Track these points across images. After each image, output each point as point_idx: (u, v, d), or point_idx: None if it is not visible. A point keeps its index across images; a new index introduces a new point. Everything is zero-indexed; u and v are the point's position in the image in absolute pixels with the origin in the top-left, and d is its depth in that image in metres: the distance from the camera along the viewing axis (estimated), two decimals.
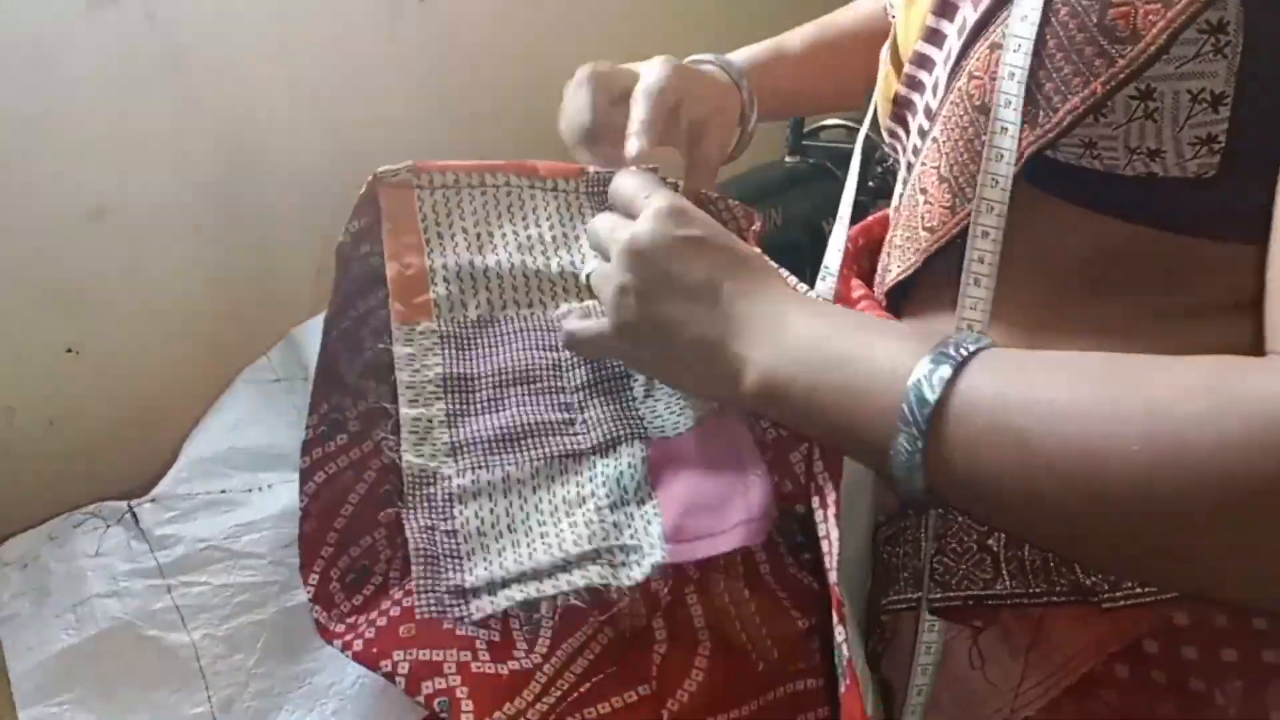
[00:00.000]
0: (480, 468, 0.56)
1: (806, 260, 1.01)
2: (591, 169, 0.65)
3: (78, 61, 0.73)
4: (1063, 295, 0.52)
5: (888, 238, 0.64)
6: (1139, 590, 0.49)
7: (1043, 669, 0.52)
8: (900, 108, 0.60)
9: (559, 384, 0.60)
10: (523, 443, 0.58)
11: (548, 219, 0.63)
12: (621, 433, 0.58)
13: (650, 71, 0.68)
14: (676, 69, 0.69)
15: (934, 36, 0.56)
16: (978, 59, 0.51)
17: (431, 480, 0.56)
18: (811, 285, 0.56)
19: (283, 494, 0.70)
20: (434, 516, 0.55)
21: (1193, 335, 0.48)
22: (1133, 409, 0.38)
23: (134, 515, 0.68)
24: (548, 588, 0.52)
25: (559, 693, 0.55)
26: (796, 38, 0.82)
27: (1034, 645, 0.52)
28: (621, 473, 0.56)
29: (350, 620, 0.58)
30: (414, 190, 0.62)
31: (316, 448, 0.61)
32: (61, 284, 0.76)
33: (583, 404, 0.59)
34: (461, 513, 0.55)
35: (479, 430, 0.58)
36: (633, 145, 0.63)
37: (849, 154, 1.20)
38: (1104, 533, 0.40)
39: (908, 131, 0.60)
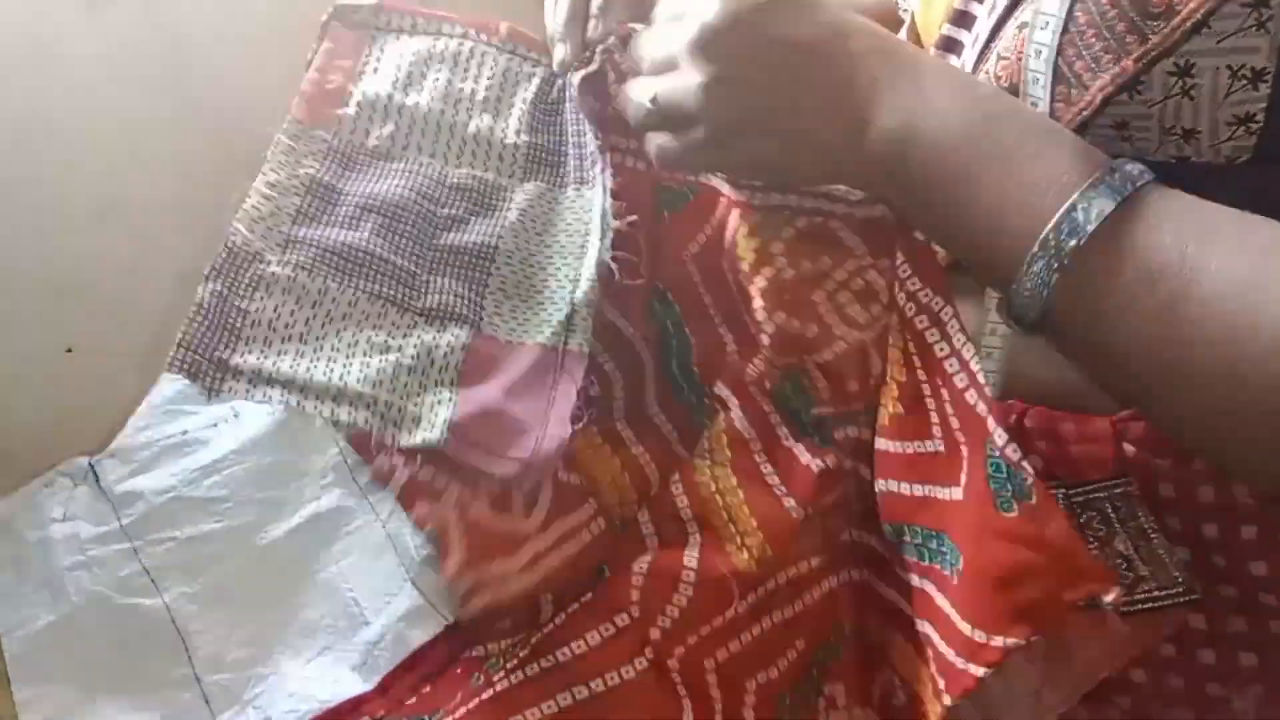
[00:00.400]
0: (303, 268, 0.54)
1: None
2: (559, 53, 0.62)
3: (78, 61, 0.73)
4: None
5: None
6: (1157, 594, 0.48)
7: (1061, 675, 0.51)
8: None
9: (422, 234, 0.57)
10: (357, 269, 0.55)
11: (489, 78, 0.61)
12: (458, 311, 0.55)
13: None
14: None
15: (963, 19, 0.55)
16: (1005, 40, 0.51)
17: (248, 262, 0.53)
18: None
19: (249, 420, 0.65)
20: (233, 291, 0.52)
21: None
22: None
23: (95, 473, 0.66)
24: (308, 406, 0.50)
25: (544, 572, 0.54)
26: None
27: (1052, 652, 0.51)
28: (437, 347, 0.54)
29: None
30: (371, 31, 0.61)
31: None
32: (61, 284, 0.76)
33: (435, 266, 0.57)
34: (262, 300, 0.52)
35: (321, 236, 0.55)
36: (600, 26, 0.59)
37: None
38: (1242, 425, 0.38)
39: None
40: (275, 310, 0.52)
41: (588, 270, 0.55)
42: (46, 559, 0.63)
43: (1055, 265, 0.39)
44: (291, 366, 0.51)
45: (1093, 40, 0.47)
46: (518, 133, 0.60)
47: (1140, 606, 0.49)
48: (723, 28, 0.46)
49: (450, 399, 0.52)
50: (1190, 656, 0.50)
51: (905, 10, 0.62)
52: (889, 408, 0.52)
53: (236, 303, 0.52)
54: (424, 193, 0.58)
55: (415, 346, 0.53)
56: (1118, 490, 0.50)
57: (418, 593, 0.56)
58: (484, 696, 0.53)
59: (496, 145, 0.59)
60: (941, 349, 0.48)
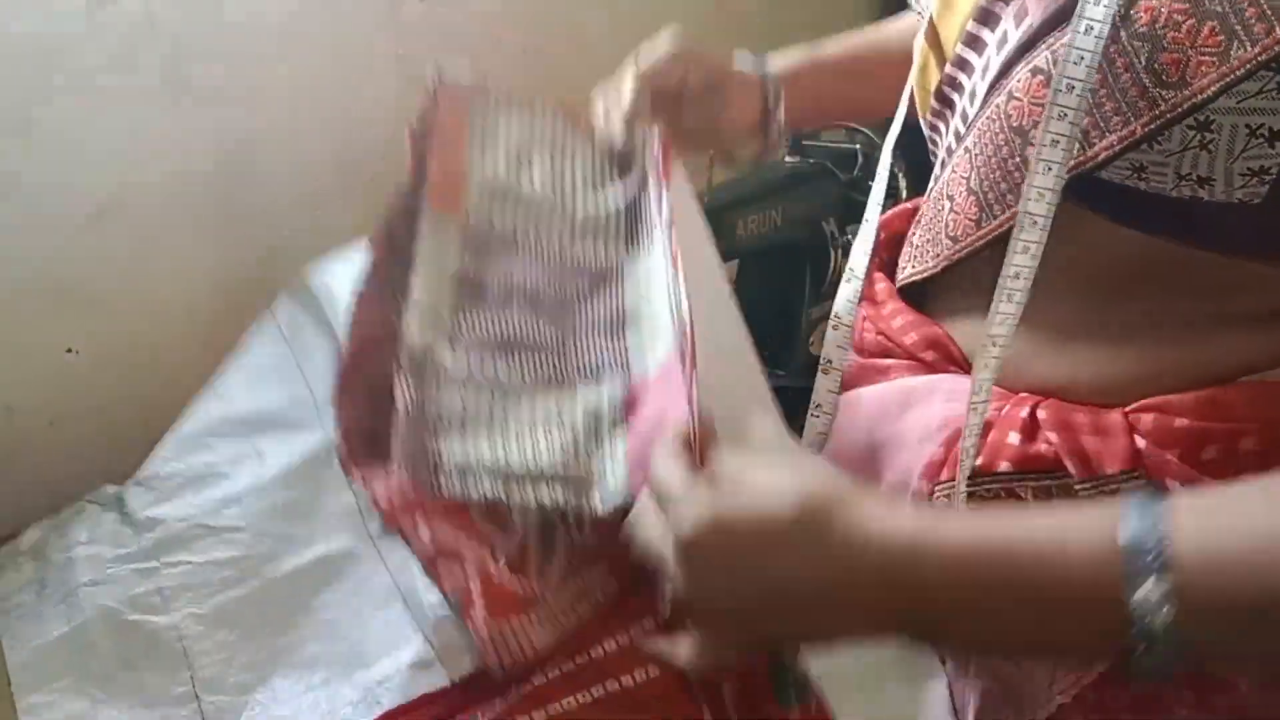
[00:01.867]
0: (474, 361, 0.59)
1: (806, 259, 1.00)
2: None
3: (78, 61, 0.73)
4: (1092, 301, 0.53)
5: (909, 234, 0.64)
6: None
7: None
8: (941, 104, 0.61)
9: (561, 310, 0.62)
10: (518, 353, 0.60)
11: (581, 163, 0.67)
12: (608, 364, 0.60)
13: (650, 53, 0.69)
14: (679, 52, 0.69)
15: (974, 43, 0.56)
16: (1019, 80, 0.52)
17: (427, 359, 0.58)
18: (822, 283, 0.55)
19: (271, 460, 0.68)
20: (423, 391, 0.57)
21: (1215, 340, 0.50)
22: None
23: (122, 500, 0.69)
24: (515, 494, 0.54)
25: (561, 630, 0.56)
26: (836, 45, 0.80)
27: None
28: (602, 403, 0.57)
29: (368, 464, 0.61)
30: (470, 96, 0.66)
31: (372, 284, 0.65)
32: (61, 284, 0.76)
33: (578, 331, 0.62)
34: (449, 394, 0.57)
35: (481, 329, 0.60)
36: (616, 128, 0.66)
37: (849, 154, 1.19)
38: None
39: (946, 130, 0.61)
40: (462, 402, 0.58)
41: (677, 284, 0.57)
42: (67, 578, 0.65)
43: (1167, 658, 0.36)
44: (491, 452, 0.55)
45: (1104, 99, 0.48)
46: (615, 206, 0.66)
47: None
48: (695, 588, 0.43)
49: (624, 445, 0.55)
50: None
51: (920, 12, 0.64)
52: None
53: (430, 394, 0.57)
54: (553, 272, 0.64)
55: (584, 410, 0.58)
56: (1126, 483, 0.51)
57: (429, 647, 0.58)
58: (523, 691, 0.56)
59: (602, 220, 0.66)
60: None
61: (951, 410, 0.54)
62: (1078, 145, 0.49)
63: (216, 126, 0.82)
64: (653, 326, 0.59)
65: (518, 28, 1.04)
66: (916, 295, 0.63)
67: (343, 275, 0.70)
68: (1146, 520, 0.37)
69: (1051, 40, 0.50)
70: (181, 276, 0.83)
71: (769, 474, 0.42)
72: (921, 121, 0.65)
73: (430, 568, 0.56)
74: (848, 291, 0.63)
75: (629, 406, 0.57)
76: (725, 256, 0.87)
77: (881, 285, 0.65)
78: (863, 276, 0.62)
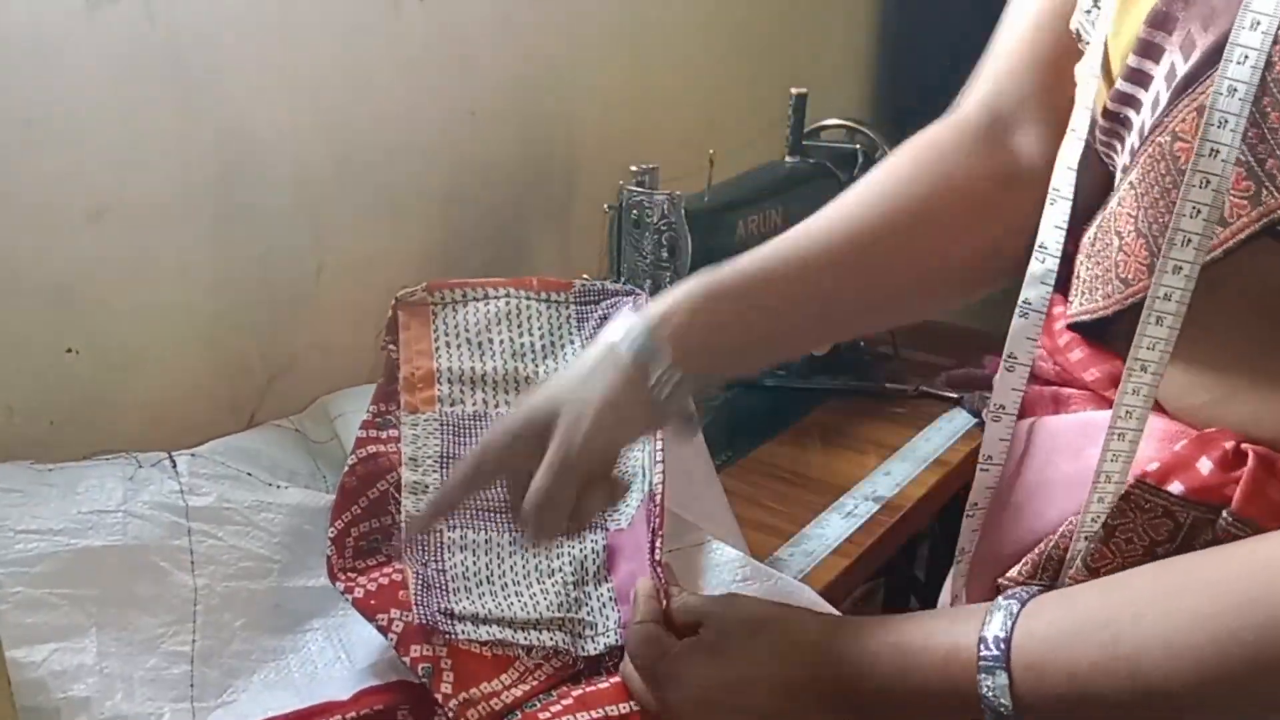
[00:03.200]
0: (467, 528, 0.67)
1: None
2: (577, 283, 0.77)
3: (78, 61, 0.73)
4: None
5: (1077, 262, 0.60)
6: None
7: None
8: (1107, 136, 0.57)
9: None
10: (504, 515, 0.68)
11: (539, 328, 0.75)
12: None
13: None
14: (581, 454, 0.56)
15: (1137, 77, 0.52)
16: (1183, 120, 0.48)
17: (429, 531, 0.66)
18: None
19: (296, 495, 0.75)
20: (427, 556, 0.65)
21: None
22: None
23: (172, 462, 0.73)
24: (520, 638, 0.62)
25: (535, 682, 0.62)
26: (751, 261, 0.63)
27: None
28: (585, 556, 0.67)
29: (353, 573, 0.66)
30: (429, 306, 0.75)
31: (372, 429, 0.71)
32: (61, 284, 0.76)
33: None
34: (450, 559, 0.65)
35: (468, 500, 0.67)
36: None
37: (850, 154, 1.19)
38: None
39: (1114, 162, 0.57)
40: (463, 564, 0.66)
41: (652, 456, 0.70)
42: (107, 498, 0.68)
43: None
44: (496, 607, 0.64)
45: (1264, 155, 0.45)
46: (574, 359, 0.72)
47: None
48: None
49: (610, 596, 0.65)
50: None
51: (1087, 41, 0.58)
52: None
53: (434, 565, 0.65)
54: None
55: (570, 561, 0.67)
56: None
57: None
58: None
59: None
60: None
61: (1140, 450, 0.50)
62: (1265, 190, 0.46)
63: (216, 126, 0.82)
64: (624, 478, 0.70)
65: (518, 28, 1.04)
66: (1087, 329, 0.59)
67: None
68: (1005, 621, 0.47)
69: (1213, 72, 0.46)
70: (181, 276, 0.83)
71: (727, 632, 0.55)
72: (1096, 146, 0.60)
73: (402, 651, 0.60)
74: (1024, 328, 0.57)
75: (610, 554, 0.67)
76: (725, 256, 0.87)
77: (1058, 309, 0.60)
78: (1043, 311, 0.56)
